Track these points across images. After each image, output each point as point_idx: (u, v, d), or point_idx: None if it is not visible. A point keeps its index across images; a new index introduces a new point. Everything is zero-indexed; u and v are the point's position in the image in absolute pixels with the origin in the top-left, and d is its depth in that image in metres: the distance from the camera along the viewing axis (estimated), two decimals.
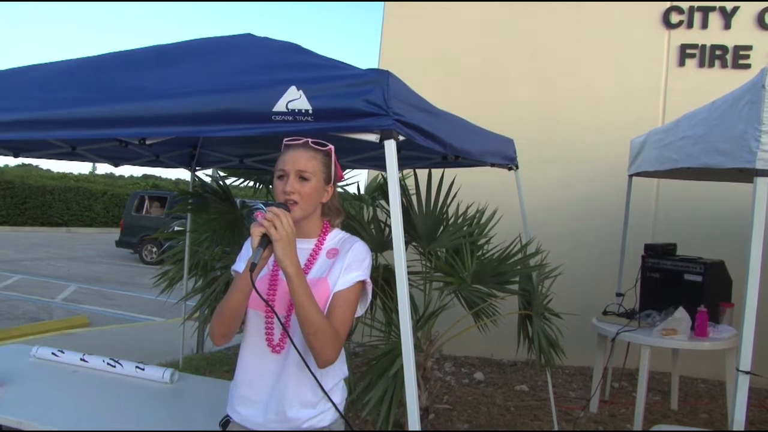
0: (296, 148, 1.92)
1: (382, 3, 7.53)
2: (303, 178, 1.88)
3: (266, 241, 1.73)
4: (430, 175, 4.38)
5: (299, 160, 1.88)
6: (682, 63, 6.78)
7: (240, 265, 1.96)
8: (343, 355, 2.02)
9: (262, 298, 1.80)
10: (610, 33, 6.92)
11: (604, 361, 5.08)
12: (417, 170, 4.48)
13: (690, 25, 6.78)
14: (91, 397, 3.10)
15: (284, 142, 1.95)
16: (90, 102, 2.54)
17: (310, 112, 2.21)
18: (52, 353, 3.61)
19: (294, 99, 2.22)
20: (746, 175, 2.94)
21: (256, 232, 1.73)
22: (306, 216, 1.92)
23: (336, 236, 2.01)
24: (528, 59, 7.08)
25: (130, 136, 2.55)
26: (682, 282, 4.73)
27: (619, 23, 6.90)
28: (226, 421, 2.01)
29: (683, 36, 6.79)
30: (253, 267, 1.72)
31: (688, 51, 6.76)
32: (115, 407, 2.99)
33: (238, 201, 5.51)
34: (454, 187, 4.41)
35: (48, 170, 30.17)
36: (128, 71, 2.65)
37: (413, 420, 2.26)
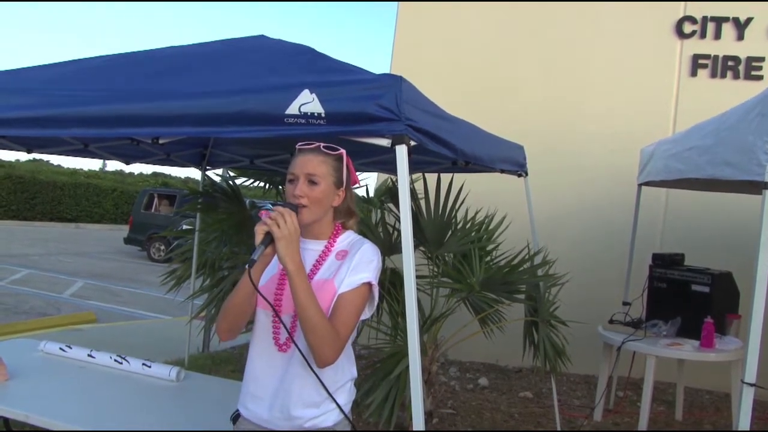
0: (307, 152, 1.94)
1: (397, 3, 7.55)
2: (312, 182, 1.89)
3: (269, 239, 1.76)
4: (439, 179, 4.39)
5: (308, 164, 1.90)
6: (694, 73, 6.77)
7: None
8: (351, 357, 2.03)
9: (261, 295, 1.82)
10: (623, 42, 6.91)
11: (609, 370, 5.07)
12: (425, 175, 4.50)
13: (703, 36, 6.77)
14: (98, 393, 3.12)
15: (297, 146, 1.97)
16: (105, 101, 2.57)
17: (323, 115, 2.23)
18: (60, 348, 3.63)
19: (307, 102, 2.24)
20: (755, 186, 2.94)
21: (259, 230, 1.77)
22: (316, 220, 1.93)
23: (347, 238, 2.01)
24: (540, 66, 7.08)
25: (144, 135, 2.58)
26: (689, 292, 4.72)
27: (631, 32, 6.89)
28: (236, 416, 2.04)
29: (696, 46, 6.78)
30: (252, 263, 1.75)
31: (701, 61, 6.74)
32: (121, 403, 3.01)
33: (247, 201, 5.54)
34: (463, 193, 4.42)
35: (59, 166, 30.33)
36: (144, 71, 2.68)
37: (418, 423, 2.27)
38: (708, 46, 6.75)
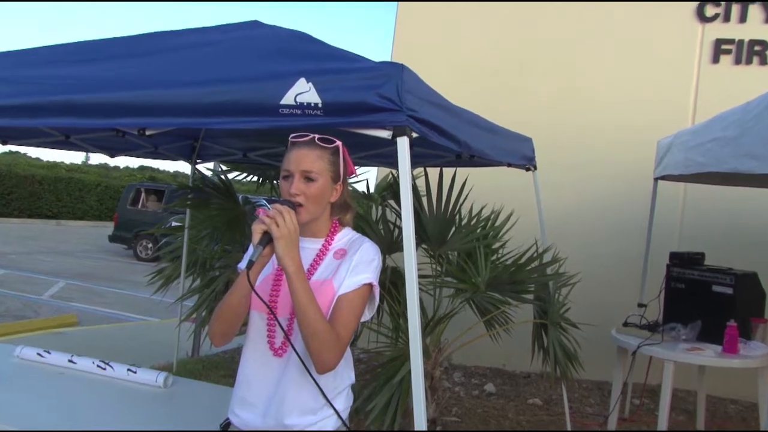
0: (302, 146, 1.92)
1: (396, 3, 7.57)
2: (309, 179, 1.88)
3: (267, 239, 1.76)
4: (441, 174, 4.39)
5: (304, 160, 1.89)
6: (716, 59, 6.74)
7: (245, 263, 1.98)
8: (350, 361, 2.04)
9: (260, 298, 1.83)
10: (639, 26, 6.89)
11: (624, 376, 5.07)
12: (428, 169, 4.50)
13: (727, 19, 6.72)
14: (80, 401, 3.12)
15: (290, 139, 1.96)
16: (88, 89, 2.57)
17: (320, 105, 2.23)
18: (38, 353, 3.61)
19: (303, 92, 2.24)
20: None
21: (257, 229, 1.77)
22: (314, 218, 1.94)
23: (345, 236, 2.02)
24: (549, 54, 7.06)
25: (130, 126, 2.58)
26: (710, 294, 4.70)
27: (649, 16, 6.87)
28: (226, 424, 2.04)
29: (719, 30, 6.74)
30: (250, 265, 1.76)
31: (724, 46, 6.71)
32: (105, 412, 3.01)
33: (240, 197, 5.54)
34: (467, 188, 4.42)
35: (37, 159, 30.29)
36: (129, 57, 2.68)
37: (420, 429, 2.28)
38: (732, 30, 6.70)
